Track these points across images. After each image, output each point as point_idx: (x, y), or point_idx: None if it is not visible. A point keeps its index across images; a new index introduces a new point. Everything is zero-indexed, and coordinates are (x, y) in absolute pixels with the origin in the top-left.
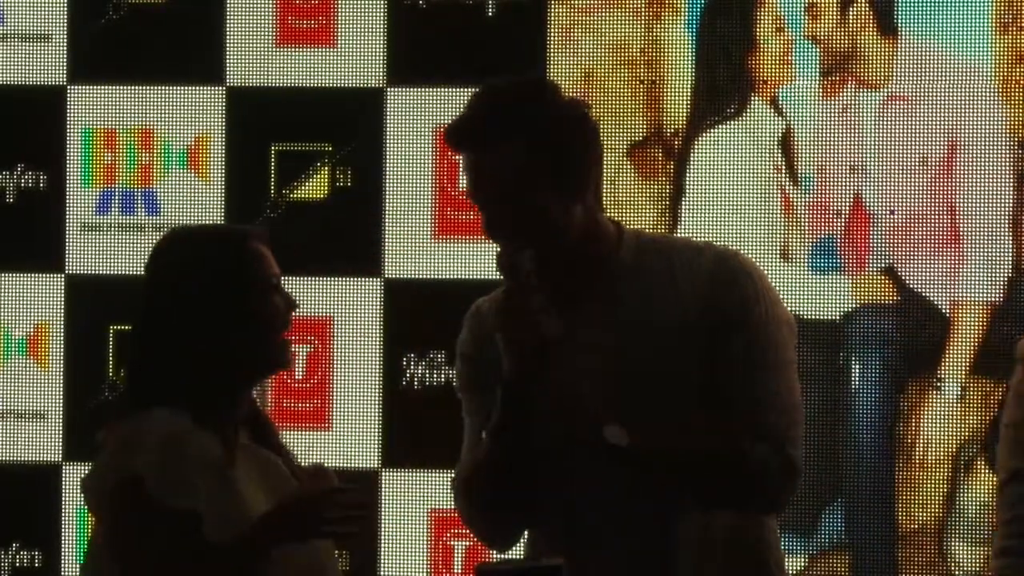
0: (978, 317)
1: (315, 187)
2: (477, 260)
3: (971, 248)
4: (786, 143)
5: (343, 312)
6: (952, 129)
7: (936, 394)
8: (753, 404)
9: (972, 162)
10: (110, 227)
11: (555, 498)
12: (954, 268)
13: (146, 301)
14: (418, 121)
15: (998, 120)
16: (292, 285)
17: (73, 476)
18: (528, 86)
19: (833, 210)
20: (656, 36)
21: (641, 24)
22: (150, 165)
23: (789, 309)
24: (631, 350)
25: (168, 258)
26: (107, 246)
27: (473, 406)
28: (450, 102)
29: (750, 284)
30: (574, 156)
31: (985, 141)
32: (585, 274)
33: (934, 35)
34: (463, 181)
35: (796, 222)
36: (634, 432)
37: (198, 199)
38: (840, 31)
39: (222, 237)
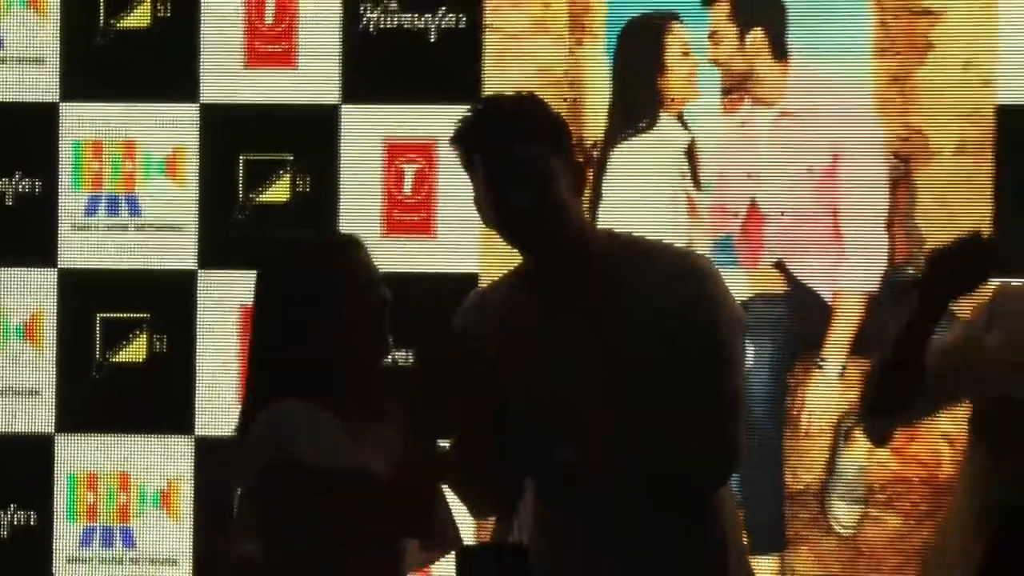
0: (857, 305)
1: (278, 191)
2: (421, 256)
3: (851, 245)
4: (691, 153)
5: None
6: (835, 141)
7: (819, 372)
8: (705, 401)
9: (852, 170)
10: (97, 227)
11: (551, 478)
12: (836, 262)
13: (262, 303)
14: (369, 134)
15: (875, 133)
16: None
17: (64, 446)
18: (532, 97)
19: (731, 212)
20: (578, 59)
21: (564, 49)
22: (133, 173)
23: None
24: (622, 342)
25: (282, 265)
26: (95, 244)
27: None
28: (398, 117)
29: (712, 285)
30: (575, 158)
31: (864, 152)
32: (577, 271)
33: (821, 59)
34: (408, 187)
35: (699, 222)
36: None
37: (175, 203)
38: (739, 56)
39: (327, 247)
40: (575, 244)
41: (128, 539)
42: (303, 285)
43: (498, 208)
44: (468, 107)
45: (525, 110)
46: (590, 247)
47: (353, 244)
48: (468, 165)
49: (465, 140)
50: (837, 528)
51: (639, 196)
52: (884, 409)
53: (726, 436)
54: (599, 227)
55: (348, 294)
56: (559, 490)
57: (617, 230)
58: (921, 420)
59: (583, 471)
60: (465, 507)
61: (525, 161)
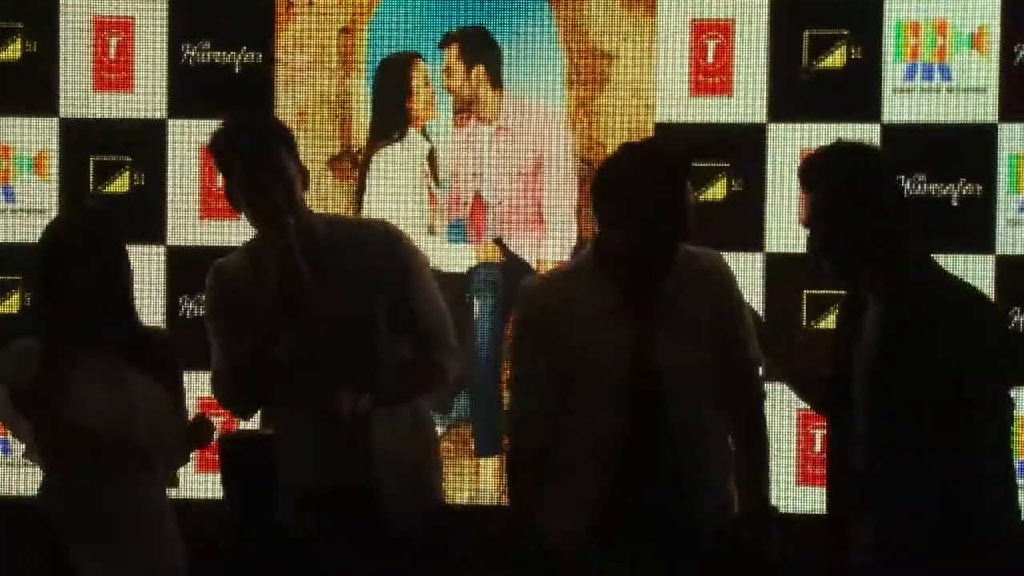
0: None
1: (120, 184)
2: (230, 234)
3: (550, 226)
4: (431, 158)
5: (137, 270)
6: (538, 149)
7: None
8: (423, 325)
9: (551, 171)
10: None
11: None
12: (539, 239)
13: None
14: (190, 141)
15: (568, 144)
16: None
17: None
18: (266, 118)
19: (462, 202)
20: (347, 87)
21: (337, 79)
22: (8, 169)
23: (434, 268)
24: (342, 293)
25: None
26: None
27: (221, 330)
28: (211, 129)
29: (402, 245)
30: (299, 159)
31: (559, 157)
32: (304, 243)
33: (527, 89)
34: (219, 182)
35: (438, 209)
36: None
37: (41, 193)
38: (466, 86)
39: (59, 225)
40: (303, 225)
41: None
42: (63, 255)
43: (249, 198)
44: (220, 123)
45: (264, 124)
46: (313, 227)
47: (102, 221)
48: (223, 167)
49: (222, 148)
50: None
51: (392, 189)
52: None
53: (447, 341)
54: (316, 213)
55: (94, 259)
56: (303, 403)
57: (328, 213)
58: None
59: (323, 391)
60: (234, 407)
61: (273, 163)
